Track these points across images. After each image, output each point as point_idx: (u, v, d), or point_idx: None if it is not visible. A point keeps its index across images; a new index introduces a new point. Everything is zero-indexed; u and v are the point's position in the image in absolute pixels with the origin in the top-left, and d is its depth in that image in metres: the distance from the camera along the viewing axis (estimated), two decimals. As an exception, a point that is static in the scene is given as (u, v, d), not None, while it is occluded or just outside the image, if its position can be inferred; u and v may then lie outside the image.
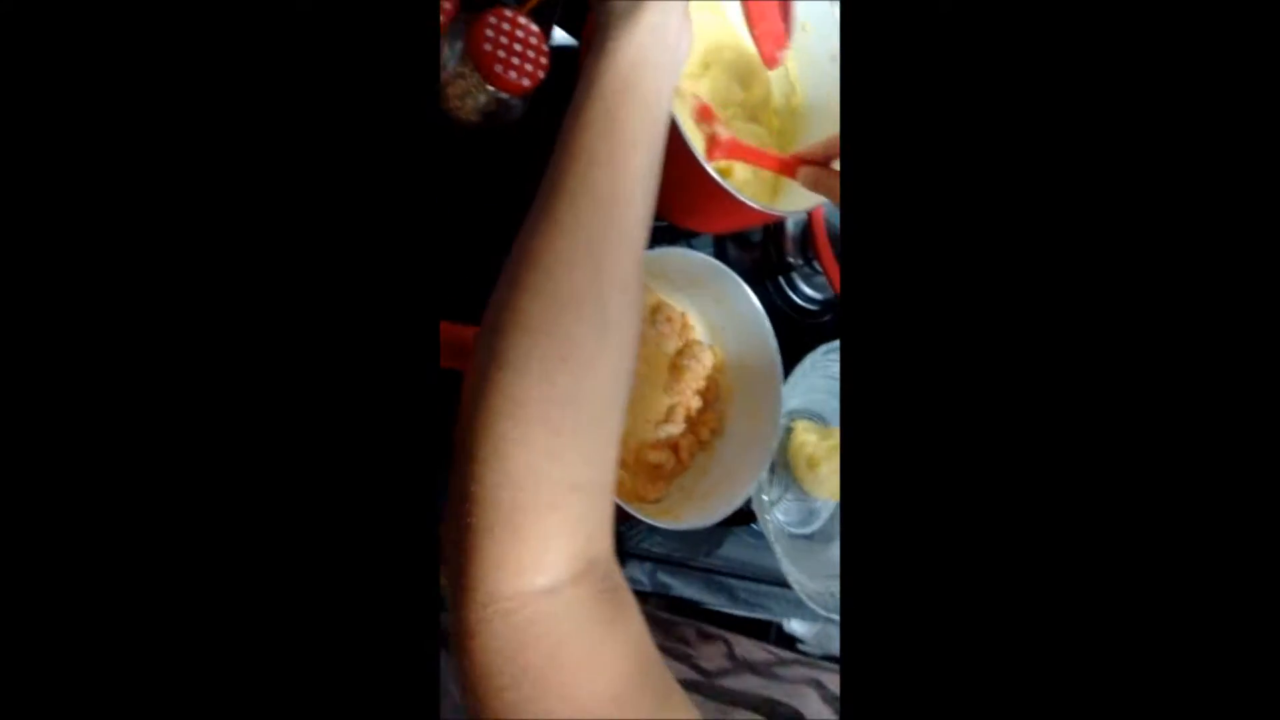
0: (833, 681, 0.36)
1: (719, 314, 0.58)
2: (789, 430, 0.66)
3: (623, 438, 0.55)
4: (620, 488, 0.54)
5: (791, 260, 0.71)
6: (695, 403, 0.58)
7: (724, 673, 0.41)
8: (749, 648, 0.47)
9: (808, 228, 0.71)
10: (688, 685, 0.39)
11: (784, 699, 0.34)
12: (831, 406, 0.70)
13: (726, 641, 0.47)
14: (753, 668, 0.40)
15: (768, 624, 1.03)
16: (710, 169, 0.48)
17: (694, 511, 0.53)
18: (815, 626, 0.92)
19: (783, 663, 0.42)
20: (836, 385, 0.68)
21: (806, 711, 0.33)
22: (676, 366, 0.58)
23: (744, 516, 0.64)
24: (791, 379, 0.59)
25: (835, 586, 0.66)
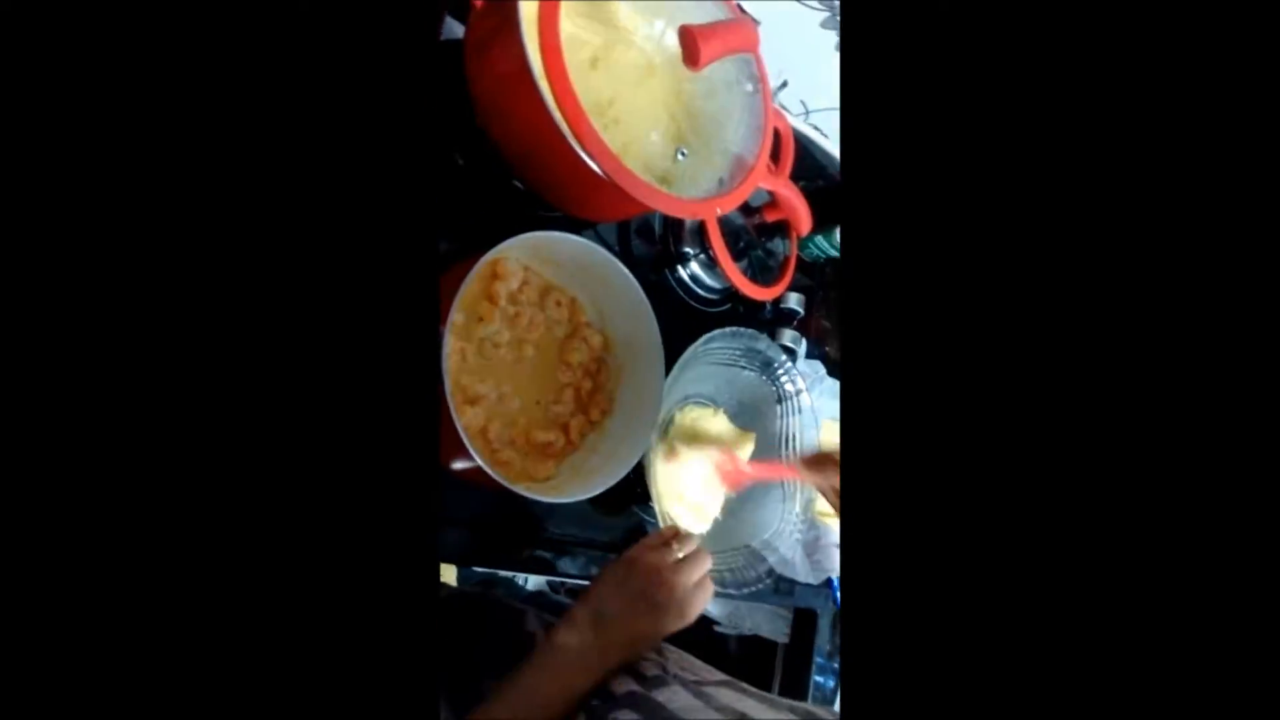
0: (757, 709, 0.39)
1: (606, 298, 0.60)
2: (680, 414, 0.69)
3: (513, 417, 0.57)
4: (509, 469, 0.56)
5: (689, 250, 0.75)
6: (586, 384, 0.61)
7: (659, 682, 0.44)
8: (679, 662, 0.50)
9: (703, 222, 0.74)
10: (626, 697, 0.43)
11: None
12: (716, 388, 0.74)
13: (662, 653, 0.50)
14: (683, 683, 0.43)
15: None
16: (594, 165, 0.50)
17: (578, 486, 0.55)
18: (728, 607, 0.95)
19: (711, 683, 0.45)
20: (720, 370, 0.71)
21: None
22: (567, 349, 0.60)
23: (641, 496, 0.67)
24: (677, 369, 0.62)
25: (732, 560, 0.69)
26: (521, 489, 0.51)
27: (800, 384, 0.72)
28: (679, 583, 0.47)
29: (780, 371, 0.73)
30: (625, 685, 0.44)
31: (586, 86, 0.59)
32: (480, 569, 1.18)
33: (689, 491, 0.65)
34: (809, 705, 0.42)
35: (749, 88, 0.65)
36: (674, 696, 0.41)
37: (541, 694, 0.44)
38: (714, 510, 0.69)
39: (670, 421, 0.67)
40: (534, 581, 1.08)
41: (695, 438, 0.65)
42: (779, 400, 0.73)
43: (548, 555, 0.66)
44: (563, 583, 1.01)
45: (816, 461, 0.58)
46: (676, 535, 0.50)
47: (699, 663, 0.52)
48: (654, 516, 0.68)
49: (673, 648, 0.54)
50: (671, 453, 0.64)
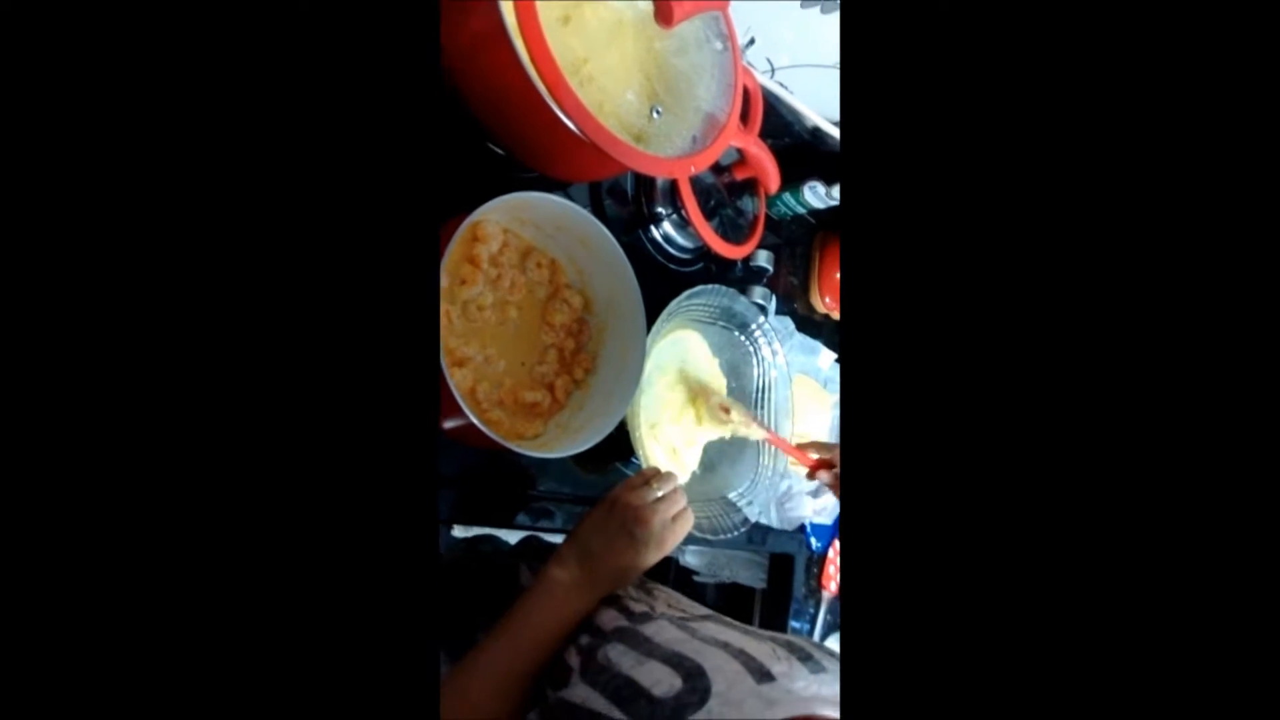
0: (739, 639, 0.42)
1: (586, 258, 0.61)
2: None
3: (499, 378, 0.58)
4: (499, 428, 0.57)
5: (661, 211, 0.75)
6: (569, 344, 0.62)
7: (646, 618, 0.46)
8: (667, 600, 0.53)
9: (675, 182, 0.75)
10: (615, 632, 0.45)
11: (691, 655, 0.39)
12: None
13: (651, 592, 0.53)
14: (669, 618, 0.45)
15: (668, 560, 1.10)
16: (571, 124, 0.51)
17: (566, 442, 0.56)
18: (707, 557, 0.99)
19: (697, 618, 0.47)
20: (703, 327, 0.73)
21: (708, 664, 0.38)
22: (549, 310, 0.61)
23: (625, 452, 0.69)
24: (659, 323, 0.63)
25: (709, 510, 0.72)
26: (513, 445, 0.52)
27: (776, 346, 0.74)
28: (656, 518, 0.50)
29: (757, 332, 0.75)
30: (615, 621, 0.47)
31: (559, 45, 0.59)
32: (460, 534, 1.19)
33: (673, 441, 0.67)
34: (788, 635, 0.44)
35: (718, 45, 0.66)
36: (660, 630, 0.43)
37: (536, 624, 0.47)
38: (693, 462, 0.72)
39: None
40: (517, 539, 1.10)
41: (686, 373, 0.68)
42: (757, 360, 0.75)
43: (534, 512, 0.68)
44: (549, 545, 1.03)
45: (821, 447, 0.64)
46: (656, 475, 0.53)
47: (685, 599, 0.55)
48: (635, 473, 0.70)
49: (661, 586, 0.56)
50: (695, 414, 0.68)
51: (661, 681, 0.37)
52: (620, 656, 0.41)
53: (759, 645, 0.41)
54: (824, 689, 0.37)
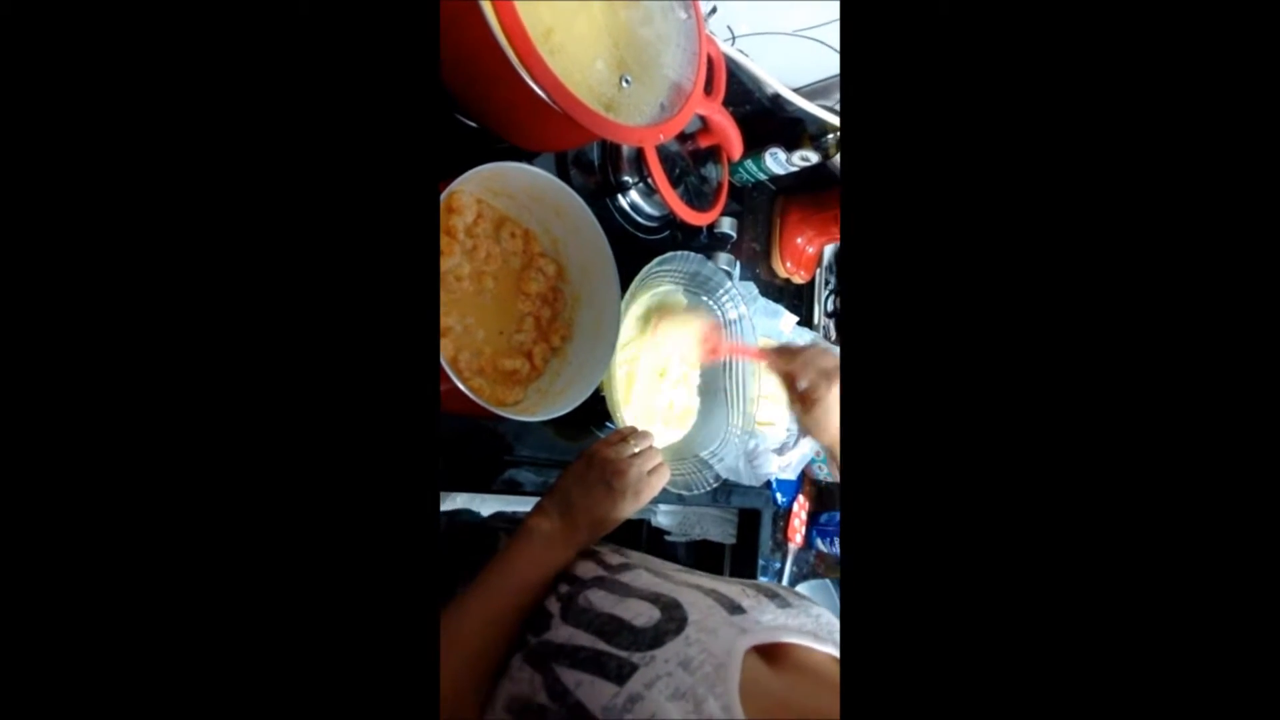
0: (711, 582, 0.45)
1: (559, 227, 0.62)
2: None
3: (479, 348, 0.59)
4: (481, 394, 0.58)
5: (628, 180, 0.77)
6: (545, 312, 0.63)
7: (623, 568, 0.49)
8: (642, 560, 0.55)
9: (641, 151, 0.76)
10: (594, 580, 0.47)
11: (668, 593, 0.42)
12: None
13: (626, 554, 0.55)
14: (645, 570, 0.48)
15: (640, 521, 1.13)
16: (543, 93, 0.51)
17: (546, 407, 0.58)
18: (678, 517, 1.02)
19: (671, 570, 0.49)
20: (672, 292, 0.75)
21: (683, 599, 0.41)
22: (524, 279, 0.62)
23: (601, 416, 0.71)
24: (631, 290, 0.65)
25: (684, 468, 0.75)
26: (494, 408, 0.54)
27: (743, 309, 0.77)
28: (633, 470, 0.52)
29: (725, 296, 0.77)
30: (593, 571, 0.49)
31: (526, 14, 0.59)
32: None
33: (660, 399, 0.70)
34: (756, 581, 0.48)
35: (682, 14, 0.67)
36: (637, 578, 0.46)
37: (518, 570, 0.49)
38: (690, 419, 0.75)
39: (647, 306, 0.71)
40: (489, 511, 1.11)
41: (665, 310, 0.70)
42: (724, 324, 0.78)
43: (510, 482, 0.69)
44: (515, 514, 1.05)
45: (782, 351, 0.64)
46: (633, 432, 0.55)
47: (659, 560, 0.58)
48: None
49: (635, 551, 0.59)
50: (653, 327, 0.70)
51: (641, 614, 0.40)
52: (600, 599, 0.44)
53: (729, 586, 0.44)
54: (791, 620, 0.40)
